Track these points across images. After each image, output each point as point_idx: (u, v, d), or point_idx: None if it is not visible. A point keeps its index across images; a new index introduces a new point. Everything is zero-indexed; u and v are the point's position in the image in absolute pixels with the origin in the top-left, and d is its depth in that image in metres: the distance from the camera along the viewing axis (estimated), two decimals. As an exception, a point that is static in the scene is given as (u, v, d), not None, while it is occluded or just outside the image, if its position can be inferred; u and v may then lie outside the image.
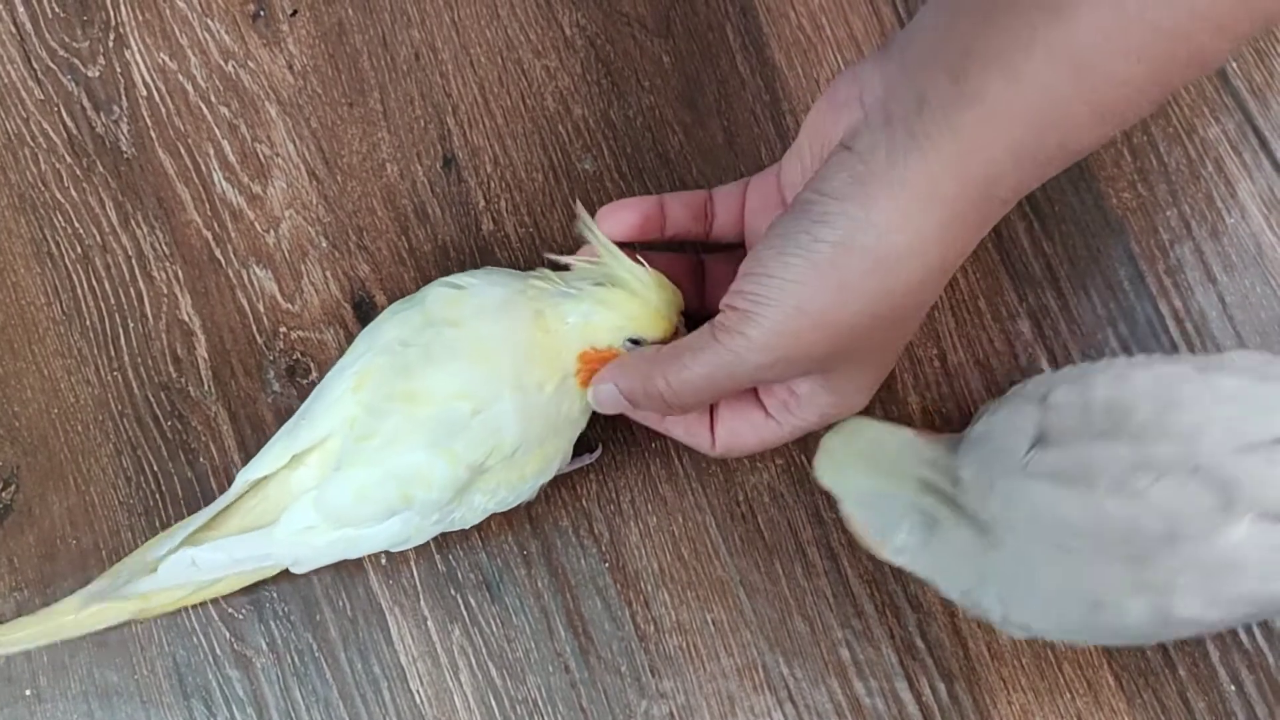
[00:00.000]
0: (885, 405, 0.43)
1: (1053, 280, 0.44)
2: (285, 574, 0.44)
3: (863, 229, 0.32)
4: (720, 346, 0.34)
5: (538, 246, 0.46)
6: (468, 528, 0.42)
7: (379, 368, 0.39)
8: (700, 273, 0.43)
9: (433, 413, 0.38)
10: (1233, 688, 0.40)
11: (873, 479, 0.39)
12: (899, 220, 0.32)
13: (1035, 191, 0.44)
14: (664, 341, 0.38)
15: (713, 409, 0.39)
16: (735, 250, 0.41)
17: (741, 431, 0.39)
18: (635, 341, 0.38)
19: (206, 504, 0.43)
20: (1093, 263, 0.44)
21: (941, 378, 0.43)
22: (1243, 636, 0.41)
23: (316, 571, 0.44)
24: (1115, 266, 0.43)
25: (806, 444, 0.43)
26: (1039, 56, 0.31)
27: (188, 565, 0.41)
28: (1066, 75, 0.31)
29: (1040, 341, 0.43)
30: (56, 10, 0.50)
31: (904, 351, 0.43)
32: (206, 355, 0.47)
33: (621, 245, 0.38)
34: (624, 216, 0.40)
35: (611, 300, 0.38)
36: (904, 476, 0.39)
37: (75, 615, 0.43)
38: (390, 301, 0.46)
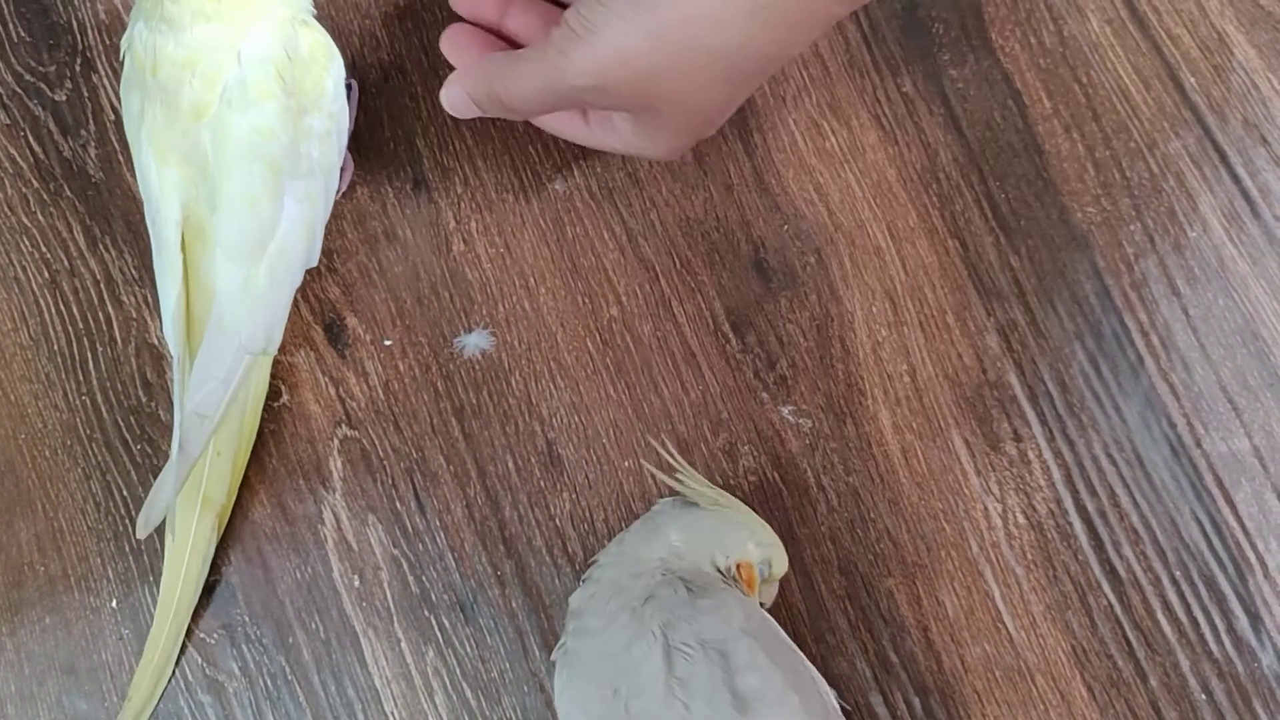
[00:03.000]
0: (855, 419, 0.43)
1: (1020, 295, 0.44)
2: (258, 596, 0.44)
3: None
4: (547, 62, 0.38)
5: (508, 266, 0.46)
6: (339, 162, 0.44)
7: (155, 131, 0.41)
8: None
9: (214, 102, 0.40)
10: (1203, 696, 0.41)
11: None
12: None
13: (1001, 205, 0.44)
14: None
15: None
16: None
17: (565, 129, 0.43)
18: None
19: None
20: (1059, 277, 0.44)
21: (911, 393, 0.44)
22: (1212, 646, 0.41)
23: (289, 594, 0.44)
24: (1081, 280, 0.44)
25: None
26: None
27: (197, 420, 0.41)
28: None
29: (1009, 356, 0.44)
30: (23, 34, 0.50)
31: (873, 365, 0.44)
32: (176, 379, 0.47)
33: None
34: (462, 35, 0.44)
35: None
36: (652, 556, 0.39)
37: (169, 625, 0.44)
38: (360, 324, 0.46)
